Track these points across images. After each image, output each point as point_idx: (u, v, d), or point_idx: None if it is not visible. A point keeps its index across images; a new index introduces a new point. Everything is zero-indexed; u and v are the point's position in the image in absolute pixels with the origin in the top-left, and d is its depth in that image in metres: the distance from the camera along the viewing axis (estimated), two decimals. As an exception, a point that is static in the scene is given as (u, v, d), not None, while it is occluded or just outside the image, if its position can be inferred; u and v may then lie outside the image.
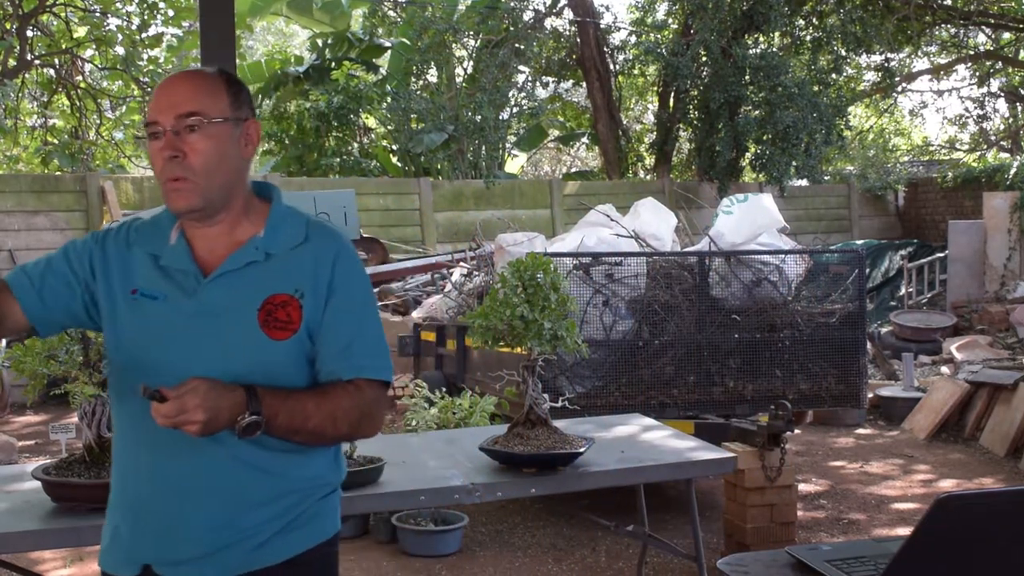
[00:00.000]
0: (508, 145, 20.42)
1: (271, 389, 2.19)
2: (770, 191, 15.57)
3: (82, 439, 3.58)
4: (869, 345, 9.50)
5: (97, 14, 17.00)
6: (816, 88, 17.68)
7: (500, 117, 17.95)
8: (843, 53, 18.51)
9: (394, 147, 19.66)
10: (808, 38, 19.18)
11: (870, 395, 9.52)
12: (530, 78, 20.13)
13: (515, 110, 19.66)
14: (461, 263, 11.55)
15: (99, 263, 2.32)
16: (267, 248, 2.29)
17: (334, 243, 2.35)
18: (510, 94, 18.85)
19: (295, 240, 2.32)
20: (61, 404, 9.93)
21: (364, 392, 2.31)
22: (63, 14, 17.09)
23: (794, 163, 17.59)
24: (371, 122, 20.34)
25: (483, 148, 17.70)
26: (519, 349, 4.07)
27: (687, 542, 5.39)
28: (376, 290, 12.47)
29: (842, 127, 18.29)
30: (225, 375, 2.17)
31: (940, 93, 35.23)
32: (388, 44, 21.03)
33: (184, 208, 2.24)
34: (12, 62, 16.62)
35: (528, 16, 18.97)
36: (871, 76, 22.52)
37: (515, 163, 23.29)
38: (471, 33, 18.78)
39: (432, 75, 19.72)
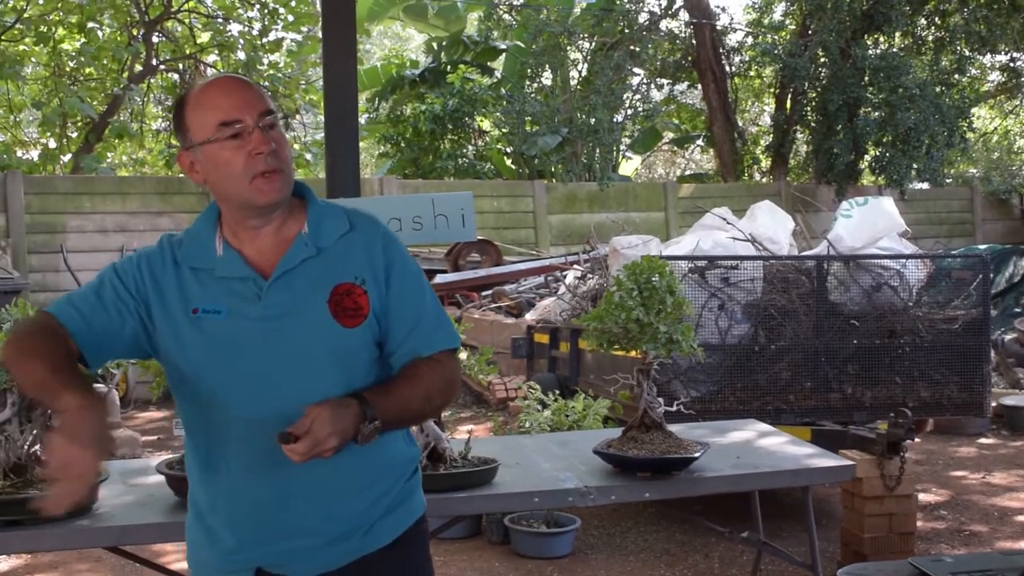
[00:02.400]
0: (622, 147, 20.38)
1: (374, 389, 2.26)
2: (890, 194, 15.26)
3: (204, 435, 3.65)
4: (993, 352, 9.27)
5: (220, 20, 17.38)
6: (938, 89, 17.30)
7: (614, 119, 17.92)
8: (967, 53, 18.09)
9: (508, 150, 19.75)
10: (930, 38, 18.78)
11: (993, 404, 9.27)
12: (645, 80, 20.05)
13: (629, 112, 19.60)
14: (575, 265, 11.55)
15: (151, 286, 2.32)
16: (316, 242, 2.33)
17: (378, 227, 2.40)
18: (624, 96, 18.80)
19: (340, 231, 2.36)
20: (183, 401, 10.17)
21: (444, 364, 2.39)
22: (187, 20, 17.51)
23: (915, 166, 17.24)
24: (486, 125, 20.44)
25: (597, 150, 17.68)
26: (634, 352, 4.05)
27: (802, 550, 5.31)
28: (490, 292, 12.53)
29: (965, 129, 17.86)
30: (306, 370, 2.25)
31: (1068, 93, 34.18)
32: (503, 47, 21.13)
33: (278, 199, 2.28)
34: (139, 67, 17.08)
35: (643, 18, 18.88)
36: (996, 76, 21.97)
37: (629, 166, 23.23)
38: (586, 35, 18.77)
39: (547, 78, 19.76)
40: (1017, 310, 15.04)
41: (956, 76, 18.20)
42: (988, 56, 19.62)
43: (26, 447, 3.39)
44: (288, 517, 2.29)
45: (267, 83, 16.94)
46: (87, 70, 17.07)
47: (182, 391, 2.36)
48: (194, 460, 2.40)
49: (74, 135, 17.09)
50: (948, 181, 19.81)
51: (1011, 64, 19.38)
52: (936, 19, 18.73)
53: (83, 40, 16.38)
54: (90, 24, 16.34)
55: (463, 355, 3.90)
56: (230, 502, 2.33)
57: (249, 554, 2.33)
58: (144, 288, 2.31)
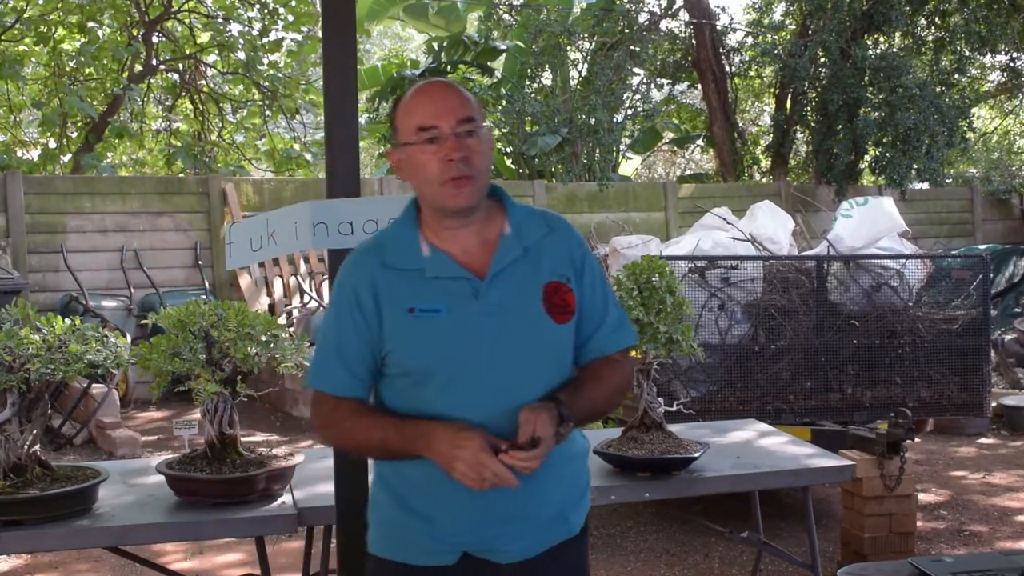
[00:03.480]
0: (622, 148, 20.34)
1: (565, 391, 2.43)
2: (890, 194, 15.26)
3: (205, 435, 3.66)
4: (993, 352, 9.27)
5: (220, 20, 17.37)
6: (938, 89, 17.27)
7: (614, 119, 17.89)
8: (967, 53, 18.06)
9: (508, 149, 19.71)
10: (930, 38, 18.75)
11: (993, 404, 9.28)
12: (645, 80, 20.03)
13: (629, 112, 19.57)
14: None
15: (372, 303, 2.43)
16: (522, 243, 2.47)
17: (568, 227, 2.57)
18: (624, 96, 18.77)
19: (541, 232, 2.51)
20: (183, 401, 10.16)
21: (623, 363, 2.59)
22: (187, 20, 17.50)
23: (915, 166, 17.22)
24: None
25: (597, 151, 17.65)
26: (634, 352, 4.05)
27: (802, 550, 5.32)
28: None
29: (965, 129, 17.83)
30: (524, 365, 2.40)
31: (1069, 93, 34.09)
32: (503, 47, 21.10)
33: (466, 205, 2.40)
34: (139, 67, 17.07)
35: (643, 18, 18.86)
36: (996, 76, 21.95)
37: (629, 166, 23.19)
38: (586, 36, 18.74)
39: (547, 78, 19.73)
40: (1017, 310, 15.03)
41: (956, 76, 18.18)
42: (988, 56, 19.60)
43: (26, 447, 3.39)
44: (502, 504, 2.38)
45: (267, 83, 16.94)
46: (87, 70, 17.05)
47: (403, 385, 2.46)
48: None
49: (74, 135, 17.07)
50: (948, 181, 19.77)
51: (1011, 64, 19.35)
52: (936, 19, 18.70)
53: (83, 40, 16.36)
54: (90, 24, 16.33)
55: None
56: (448, 488, 2.38)
57: (460, 538, 2.44)
58: (372, 306, 2.43)
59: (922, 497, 7.20)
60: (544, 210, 2.59)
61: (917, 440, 8.21)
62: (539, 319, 2.42)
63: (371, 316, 2.42)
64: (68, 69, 17.02)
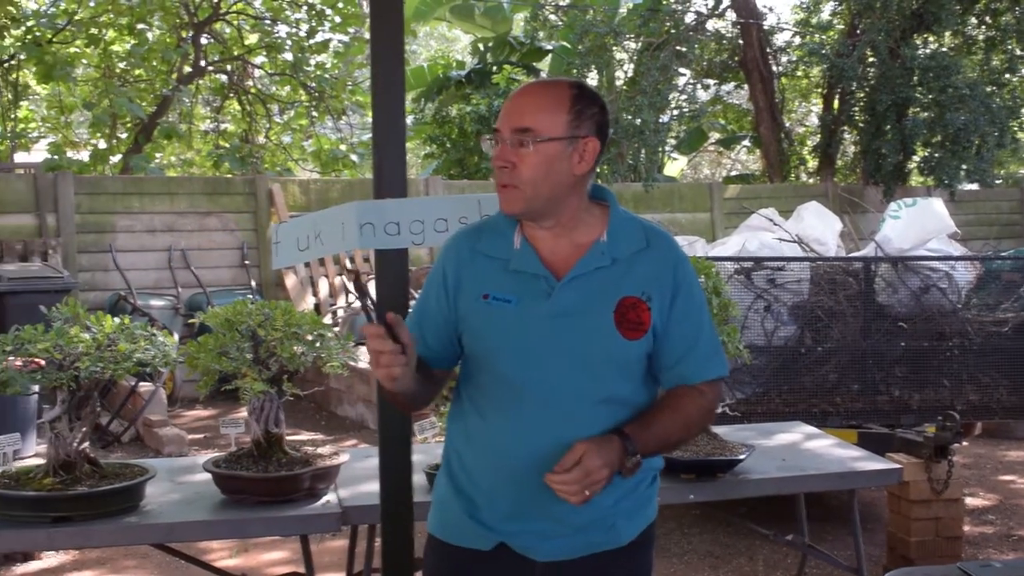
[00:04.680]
0: (668, 148, 20.29)
1: (635, 423, 2.41)
2: (938, 195, 15.11)
3: (251, 434, 3.69)
4: (1043, 355, 9.15)
5: (267, 22, 17.49)
6: (989, 89, 17.09)
7: (660, 120, 17.83)
8: (1018, 52, 17.86)
9: (554, 150, 19.72)
10: (981, 37, 18.55)
11: (1044, 407, 9.17)
12: (691, 80, 19.95)
13: (675, 113, 19.50)
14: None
15: (455, 284, 2.51)
16: (612, 253, 2.45)
17: (673, 249, 2.54)
18: (670, 97, 18.70)
19: (637, 246, 2.48)
20: (229, 399, 10.23)
21: (706, 394, 2.53)
22: (235, 22, 17.62)
23: (964, 166, 17.04)
24: (531, 125, 20.40)
25: (643, 151, 17.59)
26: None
27: (848, 554, 5.28)
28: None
29: (1016, 129, 17.64)
30: (584, 370, 2.41)
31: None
32: (549, 48, 21.11)
33: (510, 212, 2.45)
34: (187, 68, 17.22)
35: (690, 18, 18.80)
36: (1048, 76, 21.70)
37: (675, 166, 23.15)
38: (632, 36, 18.70)
39: (593, 78, 19.70)
40: (1068, 313, 14.85)
41: (1007, 76, 17.98)
42: (1040, 56, 19.35)
43: (75, 444, 3.43)
44: (544, 499, 2.38)
45: (314, 84, 17.02)
46: (136, 71, 17.22)
47: (471, 368, 2.54)
48: (468, 430, 2.54)
49: (123, 136, 17.24)
50: (998, 182, 19.55)
51: (1063, 64, 19.13)
52: (987, 18, 18.49)
53: (133, 42, 16.51)
54: (139, 26, 16.47)
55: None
56: (496, 476, 2.47)
57: (500, 527, 2.48)
58: (454, 286, 2.51)
59: (970, 501, 7.13)
60: (652, 225, 2.57)
61: (965, 443, 8.13)
62: (606, 331, 2.41)
63: (452, 295, 2.50)
64: (118, 71, 17.21)
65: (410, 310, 2.64)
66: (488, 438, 2.48)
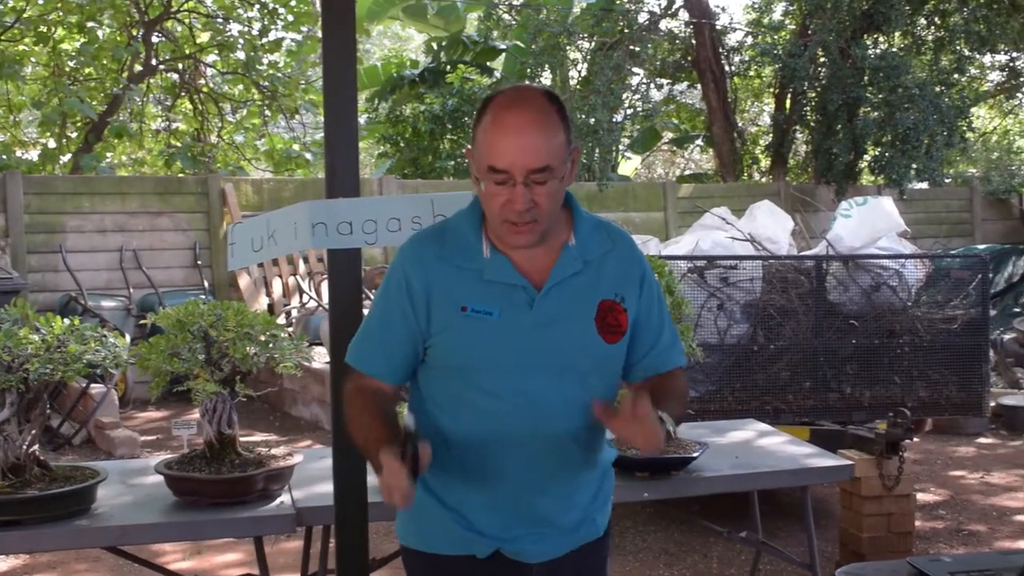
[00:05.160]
0: (622, 147, 20.33)
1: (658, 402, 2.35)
2: (889, 194, 15.24)
3: (203, 435, 3.66)
4: (992, 352, 9.27)
5: (219, 20, 17.37)
6: (938, 89, 17.26)
7: (614, 119, 17.88)
8: (966, 53, 18.05)
9: (508, 150, 19.71)
10: (930, 37, 18.74)
11: (992, 404, 9.27)
12: (644, 80, 20.02)
13: (629, 112, 19.56)
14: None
15: (420, 290, 2.42)
16: (584, 256, 2.44)
17: (633, 244, 2.56)
18: (624, 96, 18.76)
19: (604, 247, 2.48)
20: (182, 401, 10.15)
21: (680, 378, 2.59)
22: (187, 20, 17.49)
23: (914, 166, 17.20)
24: (485, 125, 20.39)
25: (596, 150, 17.63)
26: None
27: (801, 550, 5.32)
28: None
29: (964, 129, 17.82)
30: (568, 378, 2.40)
31: (1068, 93, 33.95)
32: (502, 47, 21.11)
33: (524, 244, 2.38)
34: (138, 67, 17.06)
35: (643, 18, 18.85)
36: (996, 76, 21.95)
37: (628, 165, 23.20)
38: (585, 35, 18.73)
39: (546, 78, 19.72)
40: (1016, 310, 15.03)
41: (956, 76, 18.17)
42: (988, 56, 19.59)
43: (25, 447, 3.39)
44: (540, 505, 2.45)
45: (266, 83, 16.92)
46: (86, 70, 17.05)
47: (440, 379, 2.48)
48: (444, 441, 2.46)
49: (73, 135, 17.06)
50: (947, 181, 19.75)
51: (1011, 64, 19.36)
52: (936, 19, 18.69)
53: (83, 40, 16.36)
54: (90, 24, 16.32)
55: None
56: (491, 488, 2.46)
57: (497, 535, 2.47)
58: (423, 298, 2.42)
59: (921, 497, 7.20)
60: (609, 223, 2.57)
61: (916, 440, 8.21)
62: (589, 336, 2.42)
63: (420, 306, 2.42)
64: (67, 69, 17.02)
65: (365, 322, 2.55)
66: (470, 449, 2.44)
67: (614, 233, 2.53)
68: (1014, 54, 19.21)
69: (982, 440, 9.28)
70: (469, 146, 2.41)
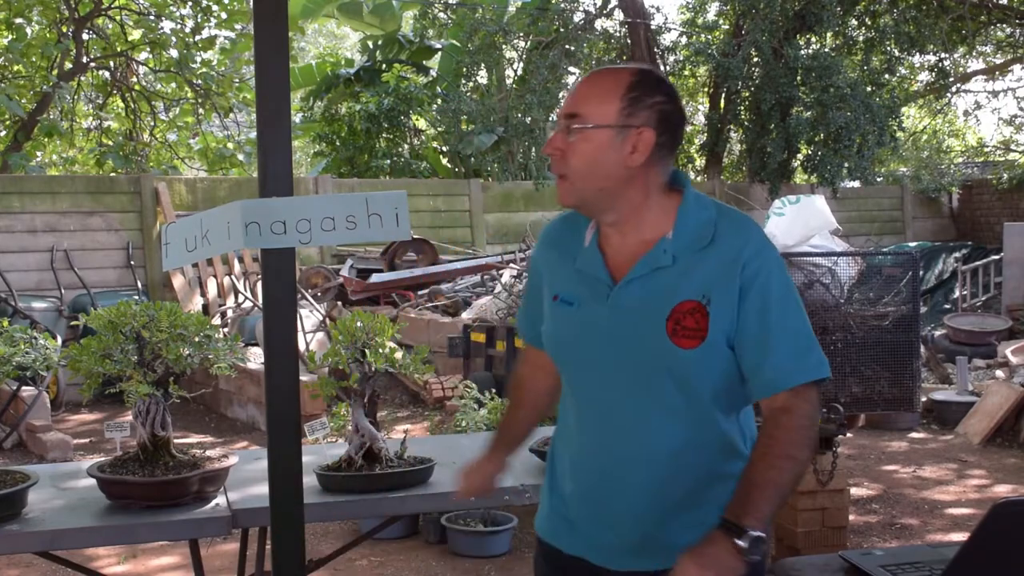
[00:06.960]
0: (558, 146, 20.38)
1: (733, 504, 2.12)
2: (822, 193, 15.44)
3: (136, 438, 3.62)
4: (923, 348, 9.40)
5: (151, 17, 17.17)
6: (869, 89, 17.52)
7: (550, 119, 17.94)
8: (896, 53, 18.34)
9: (444, 149, 19.71)
10: (861, 38, 19.02)
11: (923, 399, 9.40)
12: (580, 79, 20.11)
13: (565, 112, 19.62)
14: (511, 264, 11.55)
15: (539, 269, 2.48)
16: (675, 251, 2.24)
17: (747, 239, 2.24)
18: (560, 95, 18.81)
19: (702, 243, 2.24)
20: (116, 403, 10.03)
21: (799, 406, 2.21)
22: (118, 17, 17.26)
23: (846, 164, 17.44)
24: (421, 124, 20.40)
25: (533, 150, 17.69)
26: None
27: (737, 545, 5.35)
28: (426, 291, 12.49)
29: (895, 128, 18.11)
30: (641, 381, 2.23)
31: (995, 94, 34.38)
32: (438, 46, 21.09)
33: (562, 204, 2.33)
34: (68, 65, 16.82)
35: (578, 17, 18.93)
36: (925, 76, 22.30)
37: (565, 165, 23.23)
38: (521, 34, 18.78)
39: (482, 77, 19.74)
40: (947, 306, 15.29)
41: (886, 76, 18.44)
42: (917, 56, 19.89)
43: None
44: (625, 513, 2.29)
45: (200, 81, 16.76)
46: (15, 67, 16.77)
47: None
48: (561, 430, 2.49)
49: (2, 134, 16.81)
50: (879, 180, 20.03)
51: (939, 64, 19.67)
52: (867, 20, 18.97)
53: (11, 37, 16.10)
54: (18, 20, 16.07)
55: (398, 354, 3.91)
56: (578, 485, 2.37)
57: (585, 537, 2.37)
58: (539, 279, 2.48)
59: (854, 491, 7.29)
60: (727, 212, 2.31)
61: (849, 435, 8.31)
62: (658, 338, 2.20)
63: (539, 286, 2.46)
64: (-5, 66, 16.76)
65: (522, 294, 2.63)
66: (569, 442, 2.42)
67: (725, 225, 2.26)
68: (943, 55, 19.52)
69: (914, 435, 9.40)
70: None
